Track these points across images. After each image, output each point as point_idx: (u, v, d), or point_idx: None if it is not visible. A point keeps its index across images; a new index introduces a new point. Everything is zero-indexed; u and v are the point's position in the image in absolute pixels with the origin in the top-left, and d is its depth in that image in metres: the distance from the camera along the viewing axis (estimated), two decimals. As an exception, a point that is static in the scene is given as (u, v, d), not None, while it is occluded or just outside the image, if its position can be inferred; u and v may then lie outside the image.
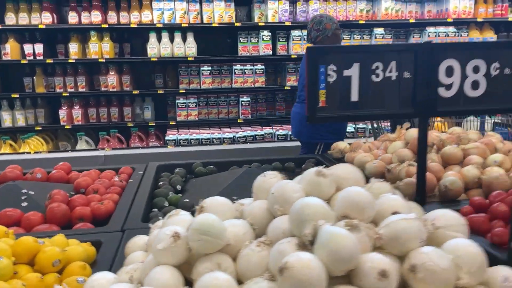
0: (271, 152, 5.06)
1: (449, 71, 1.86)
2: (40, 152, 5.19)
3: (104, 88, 5.53)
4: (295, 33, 5.63)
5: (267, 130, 5.65)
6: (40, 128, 5.50)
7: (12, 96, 5.37)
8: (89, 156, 5.07)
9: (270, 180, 1.31)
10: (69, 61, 5.36)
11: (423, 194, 1.96)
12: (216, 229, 1.09)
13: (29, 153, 5.11)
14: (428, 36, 5.71)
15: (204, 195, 2.24)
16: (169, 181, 2.57)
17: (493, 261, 1.39)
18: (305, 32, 5.62)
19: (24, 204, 2.06)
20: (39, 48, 5.35)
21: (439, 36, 5.70)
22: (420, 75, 1.83)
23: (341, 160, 2.86)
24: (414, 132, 2.48)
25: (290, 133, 5.63)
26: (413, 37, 5.86)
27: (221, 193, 2.16)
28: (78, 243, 1.48)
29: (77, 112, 5.50)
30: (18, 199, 2.09)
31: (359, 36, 5.78)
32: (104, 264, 1.44)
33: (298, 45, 5.62)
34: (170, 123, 5.69)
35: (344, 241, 0.95)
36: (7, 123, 5.44)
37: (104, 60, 5.40)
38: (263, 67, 5.62)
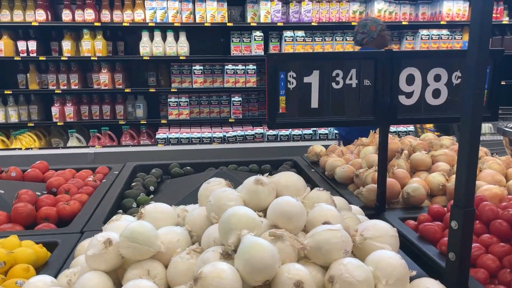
0: (260, 152, 5.08)
1: (410, 79, 1.87)
2: (32, 148, 5.24)
3: (96, 85, 5.58)
4: (287, 33, 5.64)
5: (258, 130, 5.67)
6: (33, 125, 5.55)
7: (6, 92, 5.42)
8: (79, 153, 5.11)
9: (212, 187, 1.33)
10: (62, 58, 5.40)
11: (383, 201, 1.98)
12: (146, 237, 1.11)
13: (20, 149, 5.17)
14: (421, 38, 5.70)
15: (176, 197, 2.30)
16: (143, 182, 2.59)
17: (438, 271, 1.41)
18: (297, 33, 5.63)
19: (-7, 203, 2.10)
20: (32, 45, 5.39)
21: (432, 38, 5.69)
22: (380, 83, 1.84)
23: (316, 163, 2.88)
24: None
25: (280, 133, 5.66)
26: (406, 39, 5.84)
27: (190, 195, 2.19)
28: (32, 244, 1.51)
29: (69, 109, 5.55)
30: (-13, 198, 2.13)
31: (352, 38, 5.76)
32: (55, 266, 1.47)
33: (290, 46, 5.62)
34: (162, 122, 5.72)
35: (260, 252, 0.97)
36: (0, 119, 5.49)
37: (96, 58, 5.44)
38: (255, 67, 5.64)
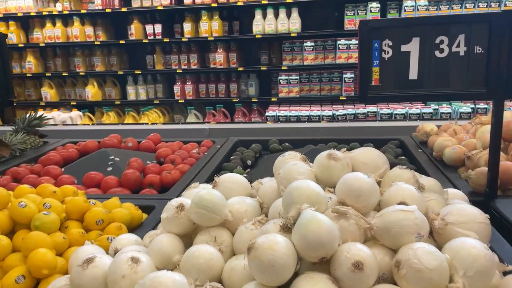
0: (370, 131, 4.84)
1: (534, 45, 1.58)
2: (156, 123, 5.76)
3: (213, 65, 5.86)
4: (408, 2, 5.20)
5: (371, 108, 5.40)
6: (158, 102, 6.08)
7: (136, 72, 6.02)
8: (196, 129, 5.46)
9: (286, 160, 1.30)
10: (183, 39, 5.78)
11: (494, 186, 1.73)
12: (214, 204, 1.14)
13: (147, 123, 5.71)
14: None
15: (270, 172, 2.32)
16: (241, 156, 2.67)
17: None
18: (419, 1, 5.16)
19: (110, 169, 2.36)
20: (158, 28, 5.87)
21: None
22: (495, 50, 1.59)
23: (425, 143, 2.64)
24: (507, 115, 2.16)
25: (395, 111, 5.31)
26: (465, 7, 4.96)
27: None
28: (130, 206, 1.66)
29: (189, 87, 5.95)
30: (105, 164, 2.40)
31: (486, 3, 5.10)
32: (147, 227, 1.60)
33: (411, 16, 5.19)
34: (272, 100, 5.80)
35: (317, 227, 0.91)
36: (132, 96, 6.14)
37: (213, 38, 5.70)
38: (369, 41, 5.34)
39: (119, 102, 6.18)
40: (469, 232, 0.99)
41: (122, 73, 6.07)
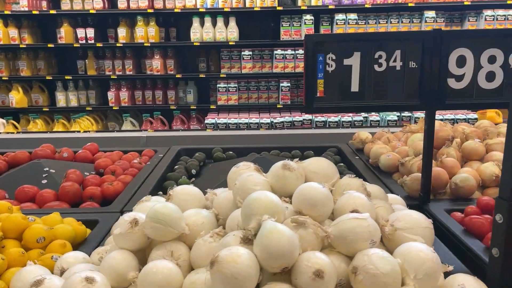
0: (307, 138, 4.99)
1: (461, 61, 1.73)
2: (89, 131, 5.51)
3: (149, 71, 5.74)
4: (339, 16, 5.46)
5: (307, 116, 5.58)
6: (91, 109, 5.82)
7: (66, 78, 5.72)
8: (132, 137, 5.29)
9: (240, 171, 1.31)
10: (118, 45, 5.60)
11: (427, 191, 1.87)
12: (170, 218, 1.12)
13: (79, 131, 5.44)
14: (485, 19, 5.30)
15: (216, 181, 2.31)
16: (186, 165, 2.63)
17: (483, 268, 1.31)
18: (350, 15, 5.43)
19: (44, 181, 2.22)
20: (90, 32, 5.63)
21: (497, 19, 5.28)
22: (427, 65, 1.72)
23: (361, 150, 2.78)
24: (436, 125, 2.34)
25: (329, 120, 5.53)
26: (468, 20, 5.46)
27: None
28: (72, 221, 1.58)
29: (124, 94, 5.76)
30: (40, 176, 2.25)
31: (408, 20, 5.49)
32: (92, 243, 1.53)
33: (342, 29, 5.45)
34: (211, 107, 5.79)
35: (278, 238, 0.94)
36: (62, 103, 5.82)
37: (149, 44, 5.58)
38: (304, 52, 5.53)
39: (47, 109, 5.83)
40: (416, 236, 1.06)
41: (51, 78, 5.74)
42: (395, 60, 1.74)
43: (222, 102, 5.72)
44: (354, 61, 1.74)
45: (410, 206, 1.91)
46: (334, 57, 1.73)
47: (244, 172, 1.29)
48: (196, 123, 5.82)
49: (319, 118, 5.54)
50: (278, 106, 5.74)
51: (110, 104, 5.77)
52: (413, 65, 1.74)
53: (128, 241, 1.14)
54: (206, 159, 2.84)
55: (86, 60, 5.80)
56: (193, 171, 2.56)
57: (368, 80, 1.75)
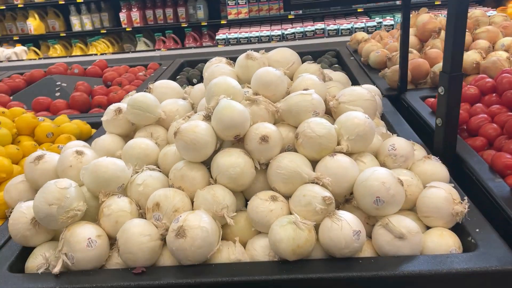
0: (317, 47, 5.00)
1: None
2: (106, 53, 5.68)
3: (158, -12, 5.70)
4: None
5: (319, 25, 5.50)
6: (105, 31, 5.94)
7: (77, 1, 5.78)
8: (146, 57, 5.43)
9: (212, 64, 1.46)
10: (123, -37, 5.53)
11: (404, 81, 1.97)
12: (147, 105, 1.30)
13: (96, 54, 5.62)
14: None
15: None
16: (187, 75, 2.79)
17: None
18: None
19: (57, 94, 2.44)
20: (95, -48, 5.56)
21: None
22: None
23: (357, 51, 2.83)
24: (424, 18, 2.37)
25: (341, 27, 5.45)
26: None
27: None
28: (78, 122, 1.80)
29: (135, 14, 5.80)
30: (53, 90, 2.48)
31: None
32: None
33: None
34: (222, 22, 5.78)
35: (230, 111, 1.10)
36: (77, 27, 5.95)
37: (154, -40, 5.49)
38: (313, -44, 5.31)
39: (64, 34, 5.99)
40: (356, 107, 1.20)
41: (63, 2, 5.82)
42: (369, -49, 1.76)
43: (232, 16, 5.69)
44: (328, -46, 1.77)
45: (389, 96, 2.04)
46: (307, -49, 1.76)
47: (215, 64, 1.44)
48: (208, 40, 5.86)
49: (331, 26, 5.45)
50: (290, 16, 5.67)
51: (123, 26, 5.85)
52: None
53: (114, 127, 1.34)
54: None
55: (96, -19, 5.80)
56: (194, 81, 2.71)
57: (343, -27, 1.79)
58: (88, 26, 5.94)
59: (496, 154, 1.29)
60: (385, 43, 2.56)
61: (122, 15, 5.81)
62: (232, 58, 3.02)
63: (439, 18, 2.47)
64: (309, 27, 5.51)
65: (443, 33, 2.31)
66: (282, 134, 1.18)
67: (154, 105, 1.32)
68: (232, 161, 1.09)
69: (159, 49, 5.61)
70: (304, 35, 5.49)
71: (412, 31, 2.46)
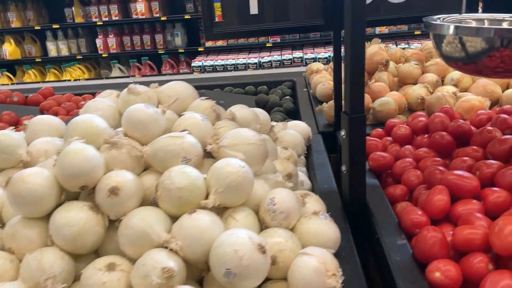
0: (277, 76, 4.87)
1: (365, -27, 1.59)
2: (79, 79, 5.57)
3: (135, 15, 5.63)
4: None
5: (297, 54, 5.40)
6: (81, 57, 5.85)
7: (53, 27, 5.72)
8: (120, 83, 5.32)
9: (98, 98, 1.30)
10: (100, -11, 5.49)
11: (338, 117, 1.80)
12: (4, 145, 1.13)
13: (70, 80, 5.52)
14: None
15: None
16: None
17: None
18: None
19: (-16, 124, 2.28)
20: (73, -22, 5.53)
21: None
22: (328, -21, 1.60)
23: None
24: (372, 49, 2.22)
25: (319, 56, 5.34)
26: None
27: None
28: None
29: (112, 40, 5.72)
30: (-19, 120, 2.32)
31: None
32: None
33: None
34: (199, 50, 5.69)
35: (72, 157, 0.93)
36: (53, 53, 5.87)
37: (132, -13, 5.44)
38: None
39: (39, 60, 5.90)
40: (236, 153, 1.03)
41: (39, 28, 5.75)
42: (290, -23, 1.63)
43: (210, 44, 5.61)
44: (250, -20, 1.63)
45: (325, 133, 1.87)
46: (228, -23, 1.63)
47: (99, 99, 1.28)
48: (185, 67, 5.77)
49: (309, 55, 5.36)
50: (268, 44, 5.58)
51: (99, 52, 5.77)
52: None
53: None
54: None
55: (73, 8, 5.75)
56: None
57: (268, 1, 1.65)
58: (65, 52, 5.86)
59: (406, 209, 1.10)
60: (336, 75, 2.40)
61: (99, 41, 5.74)
62: (208, 86, 2.93)
63: (395, 49, 2.31)
64: (287, 55, 5.42)
65: (392, 64, 2.16)
66: (147, 184, 1.00)
67: (14, 145, 1.15)
68: (69, 217, 0.90)
69: (133, 76, 5.51)
70: (281, 64, 5.39)
71: (363, 62, 2.31)
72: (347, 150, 1.12)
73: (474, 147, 1.27)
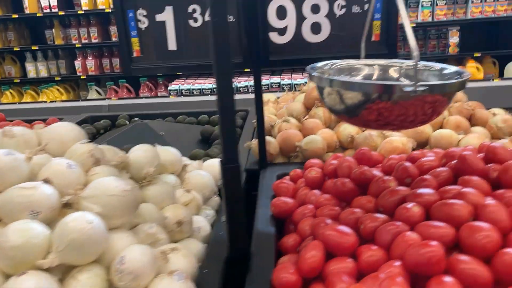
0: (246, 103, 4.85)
1: (282, 12, 1.57)
2: (56, 101, 5.56)
3: (114, 38, 5.66)
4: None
5: (274, 79, 5.39)
6: (59, 79, 5.85)
7: (33, 48, 5.74)
8: (96, 105, 5.30)
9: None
10: (79, 12, 5.52)
11: (263, 155, 1.75)
12: None
13: (46, 102, 5.50)
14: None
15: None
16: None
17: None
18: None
19: None
20: (53, 0, 5.57)
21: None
22: (245, 18, 1.57)
23: (262, 113, 2.64)
24: (311, 84, 2.19)
25: (295, 82, 5.34)
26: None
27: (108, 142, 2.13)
28: None
29: (90, 62, 5.73)
30: None
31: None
32: None
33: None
34: (177, 73, 5.68)
35: None
36: (32, 74, 5.87)
37: (111, 10, 5.47)
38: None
39: (18, 80, 5.90)
40: (93, 205, 0.97)
41: (19, 49, 5.77)
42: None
43: (187, 68, 5.60)
44: (167, 16, 1.61)
45: (251, 171, 1.81)
46: (145, 13, 1.60)
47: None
48: (164, 90, 5.75)
49: (286, 80, 5.35)
50: (246, 70, 5.57)
51: (78, 73, 5.77)
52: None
53: None
54: (112, 126, 2.81)
55: (53, 30, 5.78)
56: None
57: (186, 37, 1.62)
58: (44, 73, 5.87)
59: (281, 265, 1.04)
60: (279, 108, 2.37)
61: (77, 63, 5.75)
62: (183, 114, 2.89)
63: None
64: (264, 80, 5.41)
65: (330, 100, 2.11)
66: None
67: None
68: None
69: (109, 98, 5.49)
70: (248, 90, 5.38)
71: (302, 97, 2.27)
72: (224, 199, 1.06)
73: (369, 197, 1.21)
